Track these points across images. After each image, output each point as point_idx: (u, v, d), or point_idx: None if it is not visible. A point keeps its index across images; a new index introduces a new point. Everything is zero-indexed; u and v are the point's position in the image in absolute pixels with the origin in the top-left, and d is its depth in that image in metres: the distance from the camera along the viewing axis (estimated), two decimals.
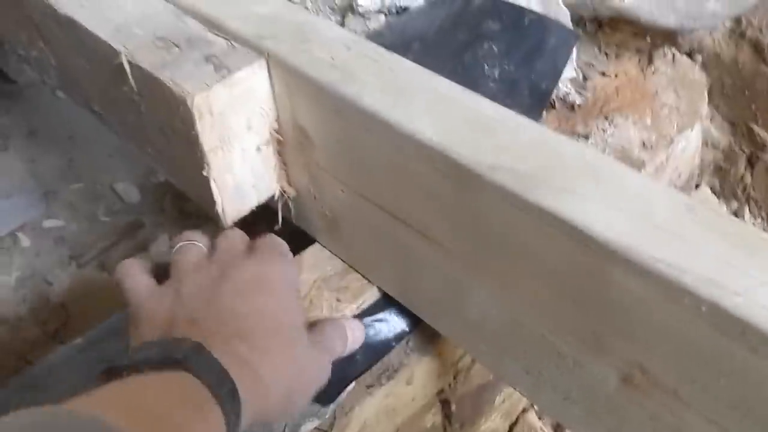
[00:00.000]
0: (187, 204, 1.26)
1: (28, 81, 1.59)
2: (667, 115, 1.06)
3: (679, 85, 1.09)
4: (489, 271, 0.62)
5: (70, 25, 0.81)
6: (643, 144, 1.01)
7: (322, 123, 0.70)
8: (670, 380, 0.51)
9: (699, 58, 1.13)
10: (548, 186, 0.53)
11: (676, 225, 0.49)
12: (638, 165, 0.99)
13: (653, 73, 1.05)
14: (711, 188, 1.28)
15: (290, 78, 0.70)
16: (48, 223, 1.52)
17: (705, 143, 1.21)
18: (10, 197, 1.55)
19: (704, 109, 1.15)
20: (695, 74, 1.12)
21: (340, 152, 0.71)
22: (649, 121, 1.04)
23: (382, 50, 0.69)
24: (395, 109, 0.62)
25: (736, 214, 1.26)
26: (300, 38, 0.72)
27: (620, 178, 0.54)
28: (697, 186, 1.27)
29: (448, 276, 0.67)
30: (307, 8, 1.11)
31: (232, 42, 0.74)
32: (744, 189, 1.24)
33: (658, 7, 0.91)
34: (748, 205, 1.24)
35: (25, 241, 1.49)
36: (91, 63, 0.83)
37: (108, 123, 0.93)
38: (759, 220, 1.23)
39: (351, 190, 0.73)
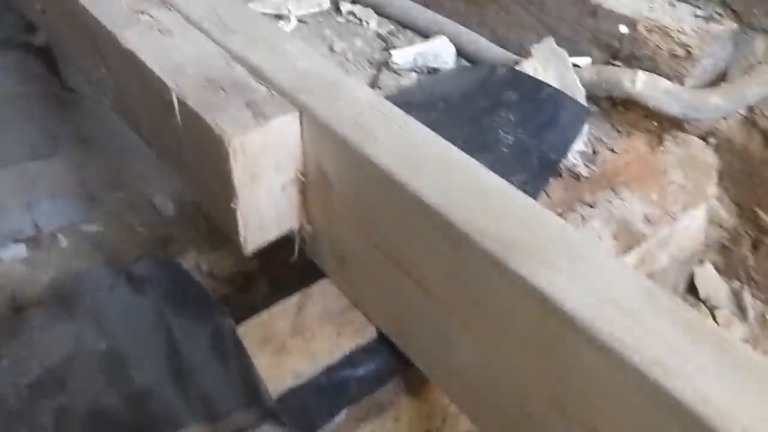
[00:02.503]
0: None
1: (86, 91, 1.69)
2: (673, 193, 1.12)
3: (688, 166, 1.15)
4: (472, 328, 0.68)
5: (131, 58, 0.90)
6: (647, 218, 1.07)
7: (342, 172, 0.78)
8: None
9: (712, 141, 1.19)
10: (529, 257, 0.60)
11: (635, 308, 0.55)
12: (639, 238, 1.04)
13: (663, 152, 1.11)
14: (714, 265, 1.32)
15: (318, 130, 0.78)
16: (87, 228, 1.62)
17: (711, 222, 1.25)
18: (55, 199, 1.64)
19: (712, 189, 1.20)
20: (706, 156, 1.18)
21: (355, 200, 0.79)
22: (655, 197, 1.09)
23: (400, 113, 0.77)
24: (406, 170, 0.69)
25: (736, 293, 1.30)
26: (331, 95, 0.80)
27: (594, 258, 0.60)
28: (700, 262, 1.32)
29: (437, 326, 0.73)
30: (347, 59, 1.20)
31: (272, 91, 0.82)
32: (746, 270, 1.28)
33: (665, 96, 0.97)
34: (749, 286, 1.28)
35: (63, 242, 1.58)
36: (144, 93, 0.92)
37: (152, 146, 1.02)
38: (758, 301, 1.27)
39: (361, 234, 0.81)
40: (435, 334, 0.75)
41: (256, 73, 0.85)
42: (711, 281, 1.33)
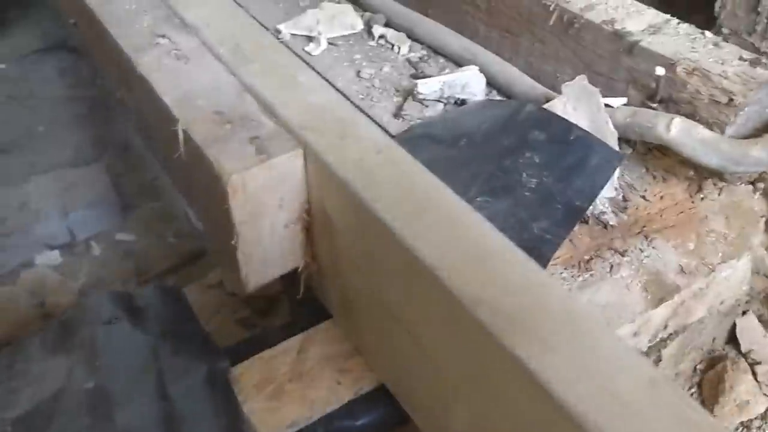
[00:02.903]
0: None
1: None
2: (713, 242, 1.04)
3: (731, 213, 1.07)
4: (466, 396, 0.63)
5: (144, 83, 0.89)
6: (682, 269, 1.00)
7: (343, 215, 0.75)
8: None
9: (761, 185, 1.10)
10: (523, 331, 0.55)
11: (634, 399, 0.50)
12: (672, 290, 0.97)
13: (702, 199, 1.03)
14: (759, 317, 1.23)
15: (321, 170, 0.75)
16: (120, 236, 1.63)
17: (757, 272, 1.17)
18: (92, 207, 1.66)
19: (759, 238, 1.12)
20: (753, 203, 1.10)
21: (356, 244, 0.75)
22: (692, 246, 1.02)
23: (408, 158, 0.73)
24: (404, 223, 0.65)
25: None
26: (338, 134, 0.77)
27: (595, 338, 0.55)
28: (744, 313, 1.23)
29: (433, 387, 0.69)
30: (374, 86, 1.17)
31: (280, 126, 0.79)
32: None
33: (702, 146, 0.90)
34: None
35: (96, 249, 1.60)
36: (157, 119, 0.90)
37: (167, 171, 1.00)
38: None
39: (363, 280, 0.77)
40: (432, 395, 0.71)
41: (265, 105, 0.82)
42: (754, 334, 1.25)
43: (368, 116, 1.09)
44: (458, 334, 0.61)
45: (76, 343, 0.82)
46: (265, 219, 0.79)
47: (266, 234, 0.80)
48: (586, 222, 0.94)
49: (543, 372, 0.52)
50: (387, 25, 1.33)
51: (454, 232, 0.64)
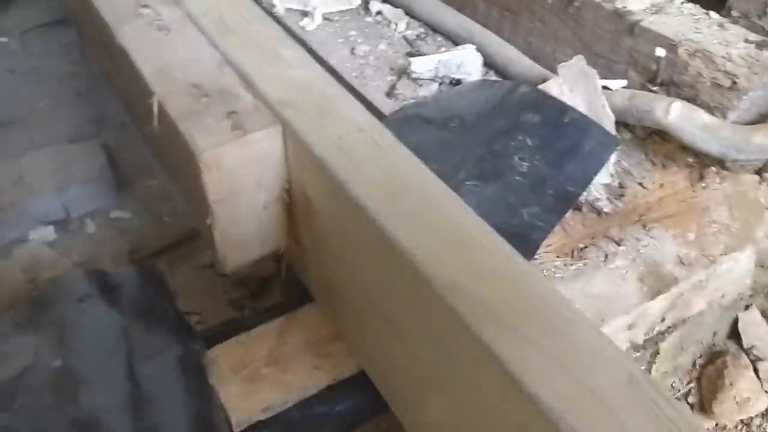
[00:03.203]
0: None
1: None
2: (714, 233, 1.00)
3: (735, 203, 1.03)
4: (444, 386, 0.61)
5: (124, 55, 0.86)
6: (681, 260, 0.96)
7: (322, 196, 0.72)
8: None
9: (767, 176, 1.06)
10: (496, 319, 0.52)
11: (610, 395, 0.47)
12: (670, 282, 0.94)
13: (704, 188, 0.99)
14: (762, 312, 1.19)
15: (300, 149, 0.72)
16: (116, 214, 1.60)
17: (761, 265, 1.13)
18: (87, 184, 1.64)
19: (763, 229, 1.08)
20: (758, 193, 1.05)
21: (335, 227, 0.72)
22: (692, 236, 0.98)
23: (390, 138, 0.70)
24: (381, 204, 0.62)
25: None
26: (319, 111, 0.73)
27: (573, 329, 0.52)
28: (747, 307, 1.19)
29: (409, 374, 0.66)
30: (368, 63, 1.13)
31: (258, 102, 0.76)
32: None
33: (702, 131, 0.86)
34: None
35: (90, 227, 1.58)
36: (137, 92, 0.87)
37: (149, 147, 0.98)
38: None
39: (343, 264, 0.74)
40: (409, 383, 0.68)
41: (245, 80, 0.79)
42: (757, 329, 1.21)
43: (360, 95, 1.06)
44: (432, 321, 0.58)
45: (46, 320, 0.79)
46: (243, 198, 0.76)
47: (244, 214, 0.77)
48: (580, 209, 0.90)
49: (516, 363, 0.49)
50: (385, 0, 1.29)
51: (433, 216, 0.61)
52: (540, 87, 0.92)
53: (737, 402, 1.15)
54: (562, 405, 0.46)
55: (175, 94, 0.77)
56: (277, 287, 1.37)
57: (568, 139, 0.86)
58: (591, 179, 0.85)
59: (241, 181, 0.74)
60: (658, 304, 0.96)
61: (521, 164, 0.85)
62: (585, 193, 0.88)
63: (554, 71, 1.01)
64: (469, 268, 0.56)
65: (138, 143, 1.78)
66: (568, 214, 0.88)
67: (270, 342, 0.83)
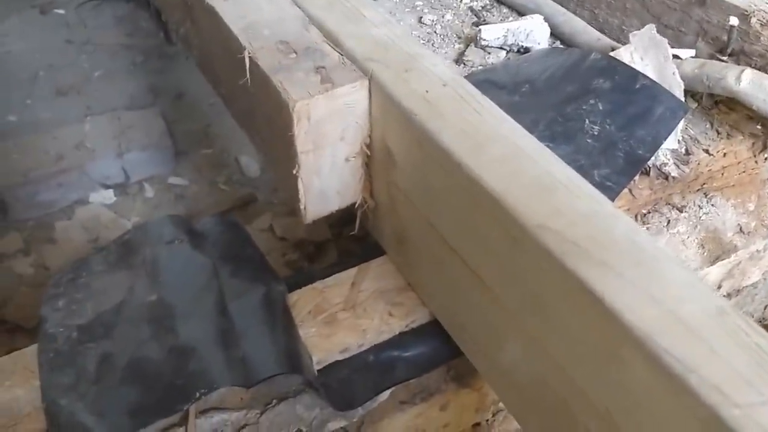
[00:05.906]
0: None
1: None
2: None
3: None
4: (525, 326, 0.64)
5: (212, 13, 0.90)
6: (740, 229, 0.98)
7: (405, 148, 0.75)
8: None
9: None
10: (589, 257, 0.55)
11: (700, 324, 0.50)
12: (729, 249, 0.96)
13: (766, 159, 1.01)
14: None
15: (385, 102, 0.75)
16: (173, 180, 1.66)
17: None
18: (146, 150, 1.69)
19: None
20: None
21: (416, 178, 0.75)
22: (752, 206, 1.00)
23: (475, 91, 0.73)
24: (469, 153, 0.65)
25: None
26: (404, 66, 0.76)
27: (662, 267, 0.54)
28: None
29: (489, 319, 0.69)
30: (435, 32, 1.16)
31: (344, 58, 0.80)
32: None
33: None
34: None
35: (149, 191, 1.63)
36: (222, 51, 0.91)
37: (228, 106, 1.02)
38: None
39: (421, 215, 0.77)
40: (486, 326, 0.71)
41: (330, 37, 0.83)
42: None
43: None
44: (520, 262, 0.61)
45: (137, 261, 0.84)
46: (327, 150, 0.80)
47: (327, 165, 0.81)
48: (647, 173, 0.93)
49: (609, 296, 0.52)
50: None
51: (520, 164, 0.64)
52: (611, 54, 0.94)
53: None
54: (654, 332, 0.49)
55: (266, 50, 0.81)
56: (333, 252, 1.41)
57: (638, 104, 0.88)
58: (660, 144, 0.87)
59: (326, 133, 0.78)
60: (717, 270, 0.98)
61: (592, 127, 0.87)
62: (653, 158, 0.90)
63: (621, 43, 1.03)
64: (559, 210, 0.59)
65: (193, 114, 1.84)
66: (636, 177, 0.90)
67: (344, 290, 0.87)
